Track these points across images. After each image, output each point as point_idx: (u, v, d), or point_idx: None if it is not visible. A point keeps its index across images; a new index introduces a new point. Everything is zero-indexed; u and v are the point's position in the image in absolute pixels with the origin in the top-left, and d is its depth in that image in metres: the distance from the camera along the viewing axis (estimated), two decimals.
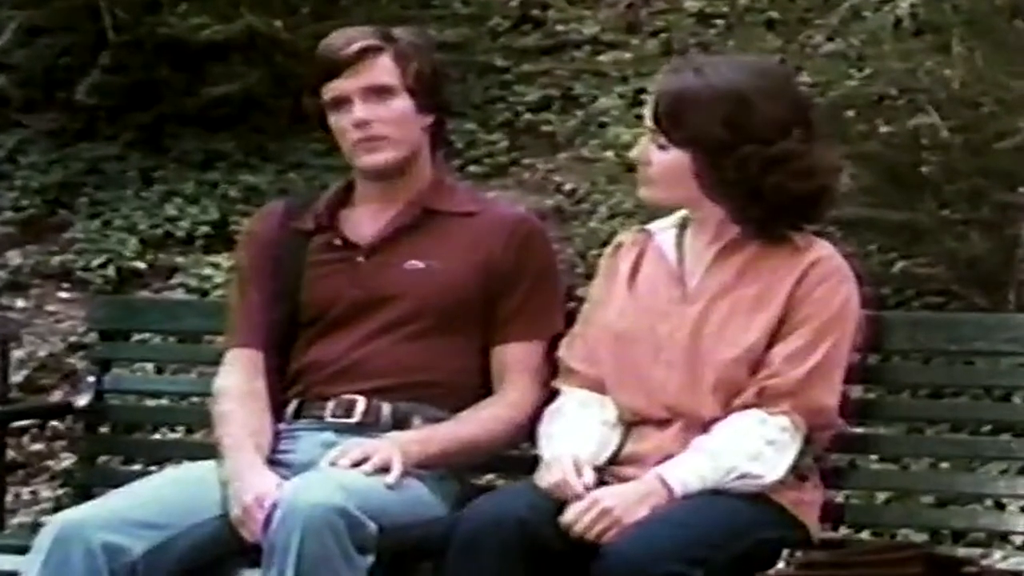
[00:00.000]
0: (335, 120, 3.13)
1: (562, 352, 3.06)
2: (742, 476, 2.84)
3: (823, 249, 2.94)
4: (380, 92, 3.10)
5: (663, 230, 3.04)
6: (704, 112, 2.89)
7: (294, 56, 5.37)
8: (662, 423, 2.94)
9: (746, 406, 2.86)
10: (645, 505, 2.79)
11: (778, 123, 2.90)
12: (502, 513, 2.80)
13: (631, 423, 2.98)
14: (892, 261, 4.37)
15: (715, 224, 2.96)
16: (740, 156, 2.88)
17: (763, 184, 2.89)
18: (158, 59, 5.53)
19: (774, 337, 2.89)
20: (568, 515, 2.79)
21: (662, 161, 2.94)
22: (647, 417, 2.95)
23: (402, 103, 3.11)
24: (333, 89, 3.11)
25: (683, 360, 2.92)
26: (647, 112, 2.99)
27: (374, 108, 3.09)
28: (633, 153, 3.02)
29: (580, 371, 3.02)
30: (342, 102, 3.11)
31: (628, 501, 2.79)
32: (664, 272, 2.99)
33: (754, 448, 2.84)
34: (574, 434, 2.95)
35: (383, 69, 3.10)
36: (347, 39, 3.12)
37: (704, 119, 2.89)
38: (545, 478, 2.88)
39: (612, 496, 2.80)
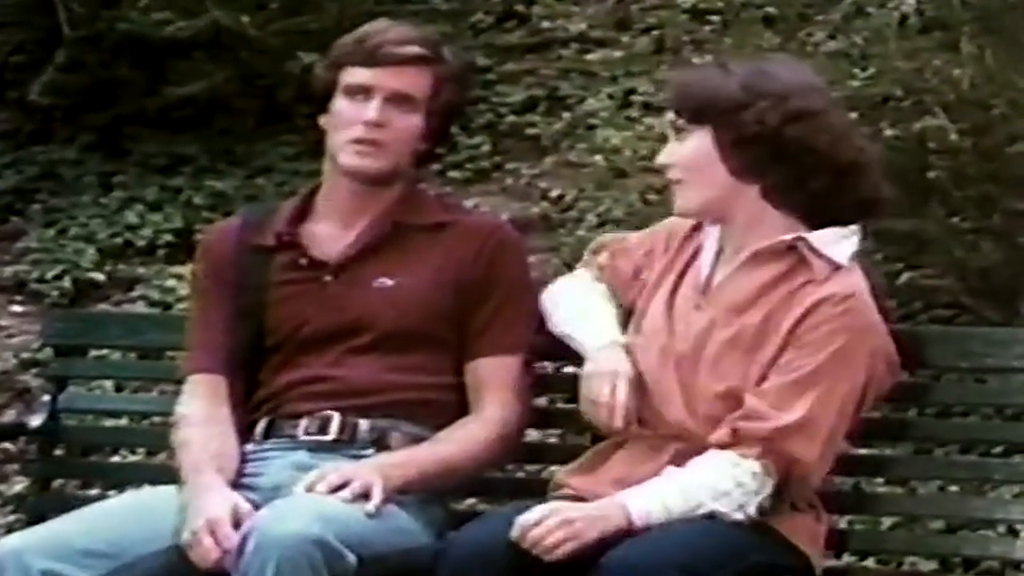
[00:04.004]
0: (344, 106, 3.13)
1: (604, 240, 3.16)
2: (709, 515, 2.88)
3: (836, 286, 2.92)
4: (404, 101, 3.11)
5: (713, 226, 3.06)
6: (720, 78, 2.96)
7: (263, 54, 5.38)
8: (657, 439, 2.96)
9: (721, 445, 2.90)
10: (600, 525, 2.82)
11: (795, 86, 2.95)
12: (491, 539, 2.83)
13: (628, 439, 3.00)
14: (898, 272, 4.38)
15: (746, 229, 2.97)
16: (759, 109, 2.92)
17: (785, 137, 2.91)
18: (117, 57, 5.52)
19: (763, 378, 2.91)
20: (531, 515, 2.82)
21: (685, 151, 2.98)
22: (643, 422, 2.98)
23: (415, 121, 3.13)
24: (362, 76, 3.11)
25: (682, 372, 2.95)
26: (668, 116, 3.03)
27: (391, 113, 3.11)
28: (658, 161, 3.05)
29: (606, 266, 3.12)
30: (361, 92, 3.11)
31: (590, 517, 2.83)
32: (698, 271, 3.03)
33: (723, 487, 2.88)
34: (605, 313, 3.04)
35: (419, 81, 3.12)
36: (402, 37, 3.13)
37: (720, 82, 2.96)
38: (591, 386, 2.95)
39: (575, 509, 2.84)
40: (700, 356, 2.94)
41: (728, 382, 2.92)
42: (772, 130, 2.92)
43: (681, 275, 3.04)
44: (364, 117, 3.09)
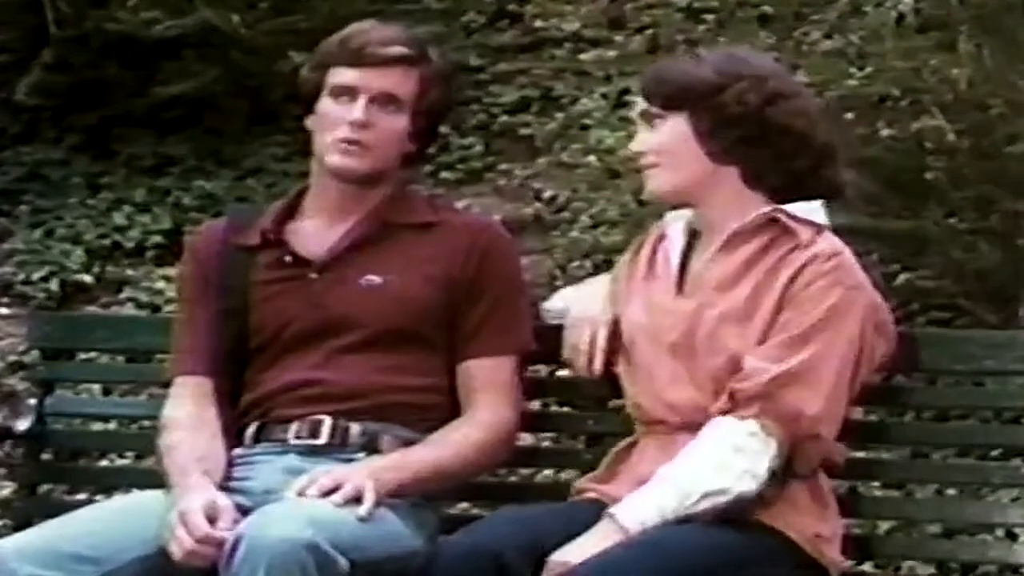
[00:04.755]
0: (330, 107, 3.13)
1: None
2: (706, 495, 2.84)
3: (823, 245, 2.95)
4: (390, 101, 3.12)
5: (680, 217, 3.07)
6: (692, 65, 3.00)
7: (253, 53, 5.38)
8: (669, 433, 2.95)
9: (720, 412, 2.89)
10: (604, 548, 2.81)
11: (768, 69, 3.00)
12: (478, 548, 2.83)
13: (638, 433, 3.01)
14: (895, 273, 4.38)
15: (723, 211, 2.98)
16: (737, 90, 2.95)
17: (767, 118, 2.94)
18: (105, 56, 5.52)
19: (761, 342, 2.91)
20: None
21: (660, 137, 3.00)
22: (654, 419, 2.98)
23: (401, 122, 3.13)
24: (347, 77, 3.12)
25: (680, 357, 2.96)
26: (638, 105, 3.04)
27: (376, 114, 3.11)
28: (631, 148, 3.06)
29: None
30: (346, 93, 3.12)
31: (587, 552, 2.81)
32: (667, 263, 3.04)
33: (717, 458, 2.85)
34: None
35: (405, 82, 3.12)
36: (386, 37, 3.13)
37: (693, 68, 2.99)
38: (571, 334, 3.04)
39: (569, 553, 2.81)
40: (693, 338, 2.95)
41: (727, 353, 2.91)
42: (754, 110, 2.95)
43: (649, 272, 3.05)
44: (349, 118, 3.10)
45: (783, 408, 2.86)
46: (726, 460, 2.84)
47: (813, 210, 2.99)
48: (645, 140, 3.01)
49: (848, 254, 2.96)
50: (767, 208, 2.97)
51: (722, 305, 2.94)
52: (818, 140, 2.98)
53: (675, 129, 2.98)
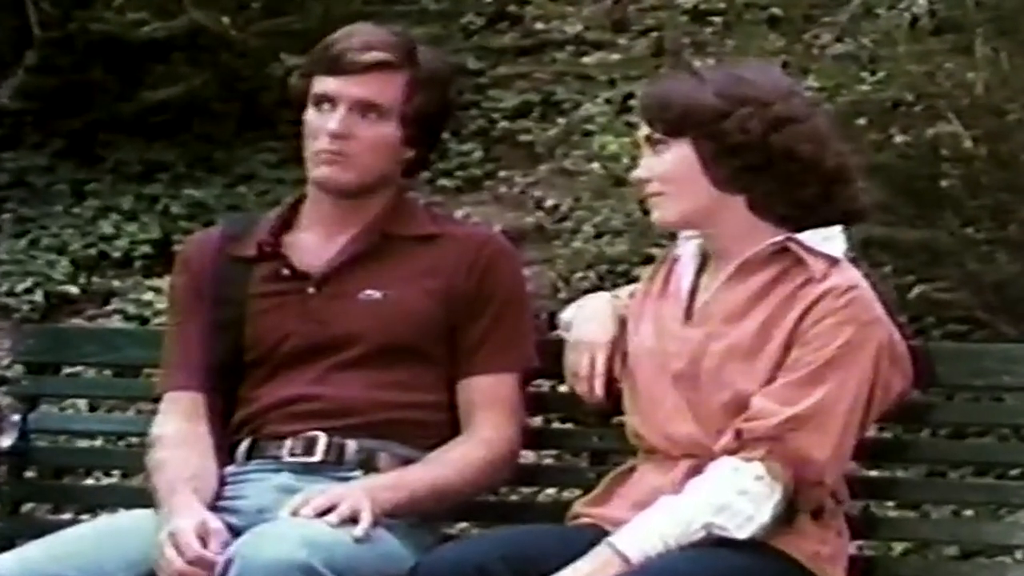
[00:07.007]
0: (312, 116, 3.14)
1: None
2: (706, 527, 2.85)
3: (838, 279, 2.93)
4: (370, 108, 3.11)
5: (693, 237, 3.07)
6: (693, 87, 2.96)
7: (244, 56, 5.39)
8: (669, 460, 2.96)
9: (726, 451, 2.89)
10: None
11: (775, 91, 2.96)
12: (461, 561, 2.84)
13: (637, 458, 3.01)
14: (909, 285, 4.39)
15: (732, 238, 2.98)
16: (740, 117, 2.93)
17: (771, 146, 2.92)
18: (91, 59, 5.53)
19: (769, 381, 2.90)
20: None
21: (664, 165, 2.98)
22: (653, 448, 2.98)
23: (387, 130, 3.12)
24: (326, 86, 3.12)
25: (683, 389, 2.95)
26: (642, 130, 3.03)
27: (355, 123, 3.10)
28: (634, 176, 3.05)
29: None
30: (327, 102, 3.12)
31: None
32: (678, 286, 3.04)
33: (721, 499, 2.85)
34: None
35: (386, 88, 3.11)
36: (366, 43, 3.12)
37: (694, 91, 2.95)
38: (570, 359, 3.04)
39: None
40: (698, 370, 2.95)
41: (732, 389, 2.91)
42: (756, 139, 2.92)
43: (662, 293, 3.05)
44: (328, 128, 3.10)
45: (792, 452, 2.86)
46: (730, 502, 2.85)
47: (831, 237, 2.97)
48: (650, 167, 3.00)
49: (865, 288, 2.94)
50: (779, 237, 2.96)
51: (729, 338, 2.93)
52: (828, 164, 2.95)
53: (679, 156, 2.96)
